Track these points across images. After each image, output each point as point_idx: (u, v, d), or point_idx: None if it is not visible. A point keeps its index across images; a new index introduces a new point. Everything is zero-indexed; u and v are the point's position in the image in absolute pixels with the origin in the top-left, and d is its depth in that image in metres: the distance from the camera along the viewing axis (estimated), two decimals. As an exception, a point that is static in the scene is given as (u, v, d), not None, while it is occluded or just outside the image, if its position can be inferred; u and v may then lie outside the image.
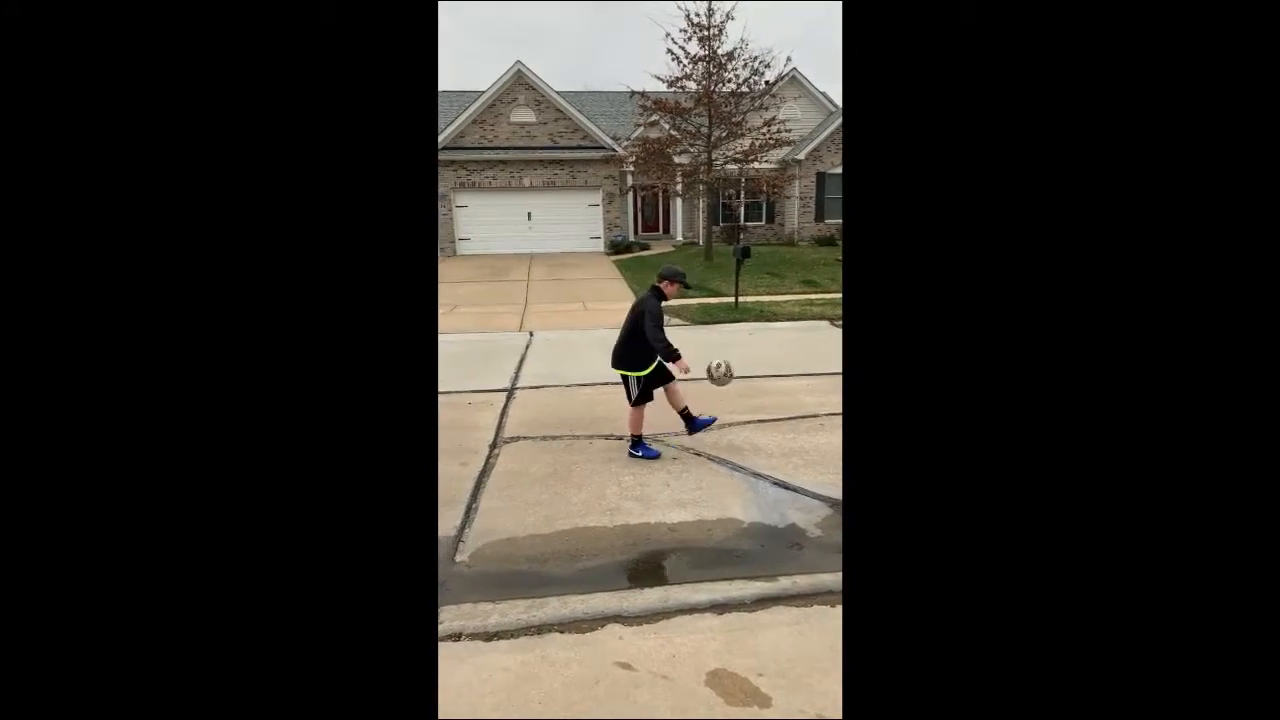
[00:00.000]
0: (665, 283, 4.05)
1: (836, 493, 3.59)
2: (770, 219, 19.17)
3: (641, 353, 3.98)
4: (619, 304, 10.96)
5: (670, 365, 3.89)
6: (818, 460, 4.05)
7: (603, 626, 2.42)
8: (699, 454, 4.18)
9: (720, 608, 2.52)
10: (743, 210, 18.69)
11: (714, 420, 4.31)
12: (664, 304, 4.05)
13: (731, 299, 10.22)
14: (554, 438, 4.52)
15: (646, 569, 2.87)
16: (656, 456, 4.12)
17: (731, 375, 4.17)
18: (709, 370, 4.16)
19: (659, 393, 4.14)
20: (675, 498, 3.54)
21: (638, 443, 4.16)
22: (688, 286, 4.30)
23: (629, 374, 4.04)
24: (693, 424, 4.20)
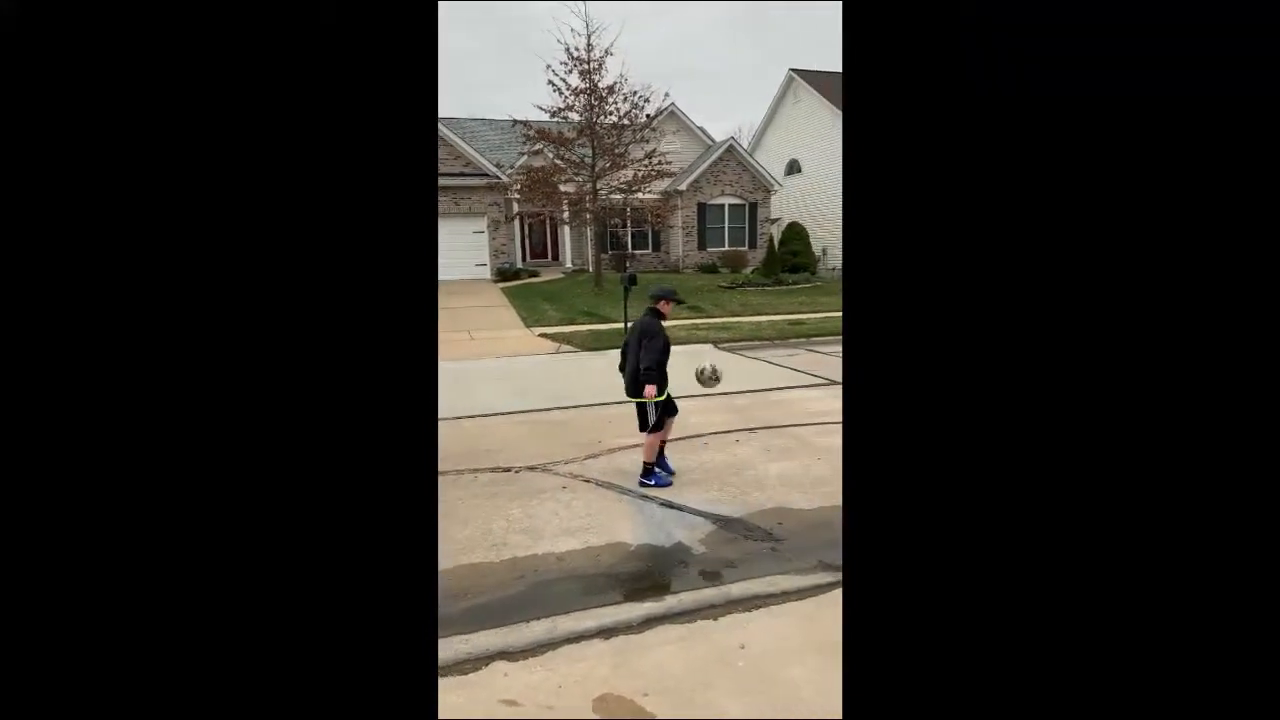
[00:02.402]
0: (661, 302, 4.09)
1: (720, 509, 3.73)
2: (657, 247, 19.77)
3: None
4: (508, 332, 10.80)
5: (645, 386, 3.87)
6: (702, 479, 4.19)
7: (488, 665, 2.35)
8: (588, 480, 4.20)
9: (608, 632, 2.53)
10: (630, 238, 19.16)
11: (670, 482, 4.12)
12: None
13: (621, 324, 10.41)
14: (439, 473, 4.36)
15: (534, 601, 2.83)
16: (669, 484, 4.06)
17: (719, 377, 4.24)
18: (698, 374, 4.20)
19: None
20: (563, 526, 3.53)
21: (650, 471, 4.06)
22: (680, 303, 4.31)
23: (644, 400, 3.96)
24: (652, 474, 4.09)
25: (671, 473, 4.22)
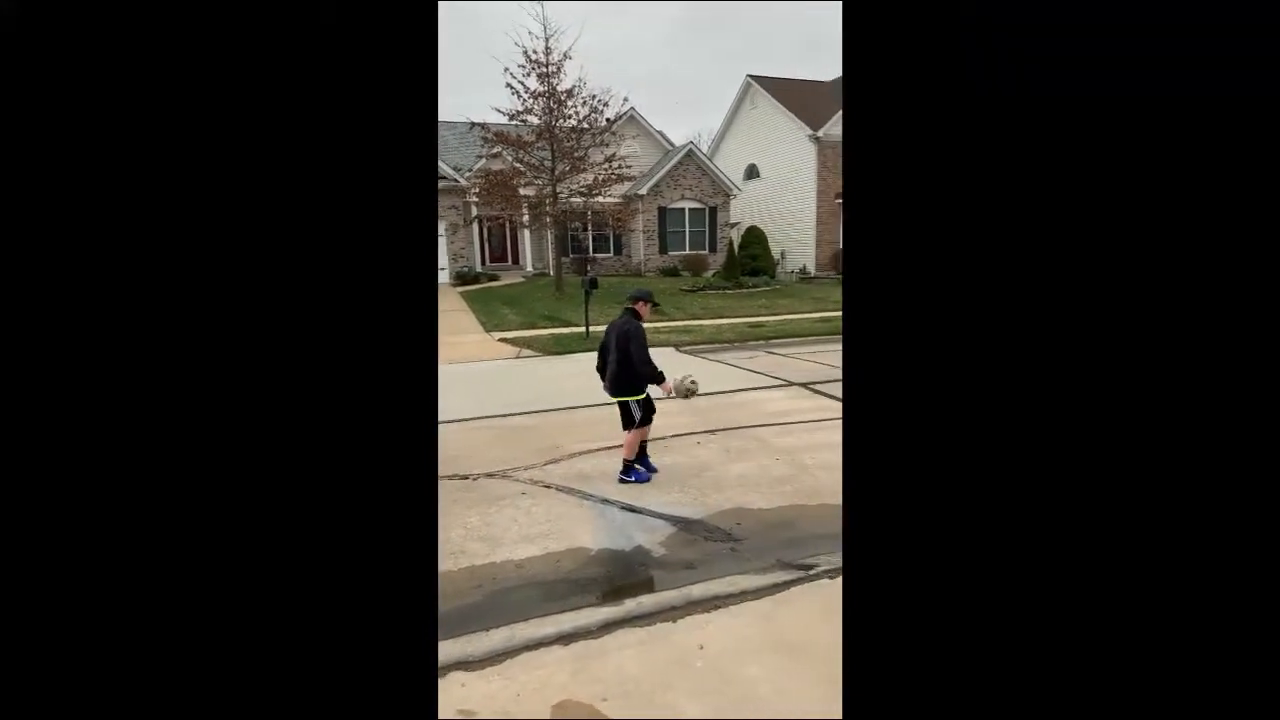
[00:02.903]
0: (640, 304, 4.19)
1: (680, 511, 3.76)
2: (618, 251, 19.80)
3: (637, 376, 4.04)
4: (467, 337, 10.65)
5: (658, 388, 4.04)
6: (663, 481, 4.21)
7: (445, 675, 2.31)
8: (548, 486, 4.17)
9: (567, 638, 2.52)
10: (591, 242, 19.13)
11: (649, 478, 4.21)
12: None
13: (582, 329, 10.37)
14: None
15: (492, 610, 2.80)
16: (648, 480, 4.17)
17: (696, 390, 4.30)
18: (675, 385, 4.24)
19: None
20: (523, 533, 3.50)
21: (630, 468, 4.17)
22: (656, 305, 4.38)
23: (630, 399, 4.08)
24: (632, 471, 4.19)
25: (653, 470, 4.32)
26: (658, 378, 4.04)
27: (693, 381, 4.32)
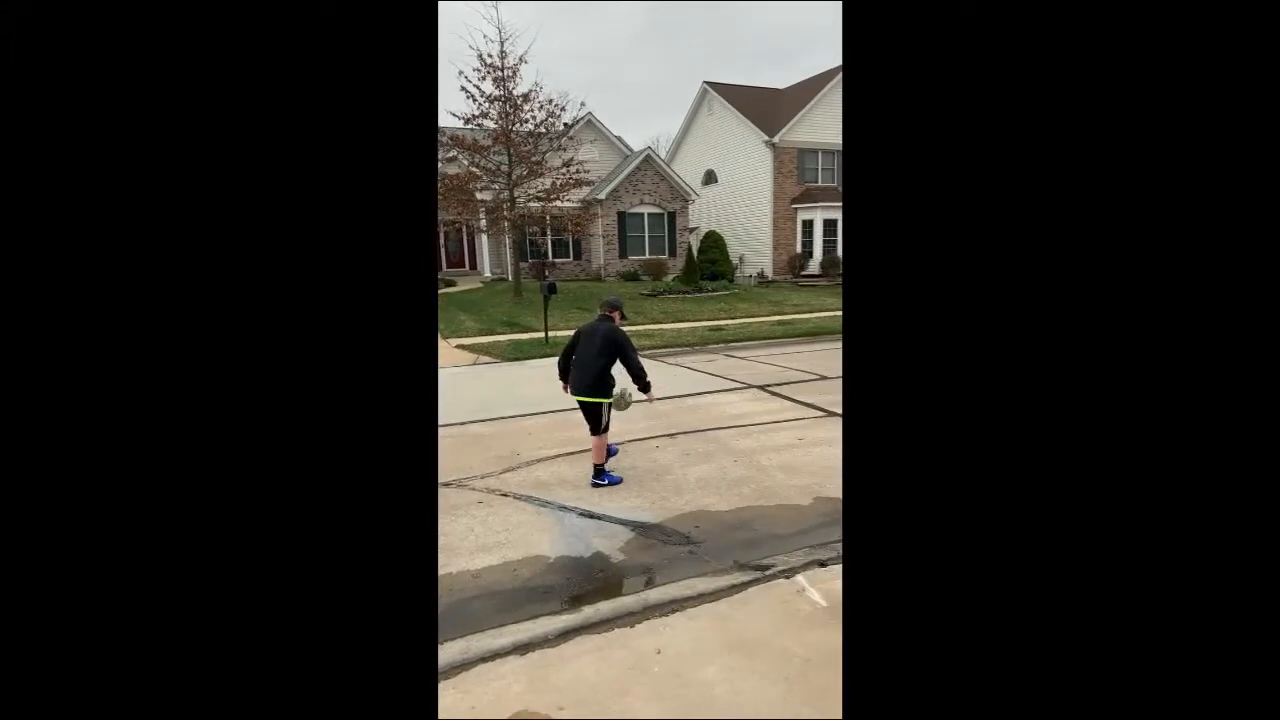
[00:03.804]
0: (616, 312, 4.30)
1: (639, 515, 3.75)
2: (578, 255, 19.74)
3: (611, 379, 4.10)
4: (423, 344, 10.43)
5: (644, 394, 4.15)
6: (622, 486, 4.20)
7: (397, 693, 2.25)
8: (506, 495, 4.11)
9: (524, 648, 2.49)
10: (550, 247, 19.02)
11: (620, 480, 4.28)
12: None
13: (541, 334, 10.29)
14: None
15: (448, 621, 2.74)
16: (620, 482, 4.21)
17: (630, 402, 4.30)
18: (616, 399, 4.19)
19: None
20: (480, 543, 3.44)
21: (601, 472, 4.20)
22: (624, 318, 4.46)
23: (603, 400, 4.10)
24: (604, 475, 4.23)
25: (613, 453, 4.48)
26: (647, 386, 4.11)
27: (630, 395, 4.33)
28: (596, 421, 4.15)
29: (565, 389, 4.33)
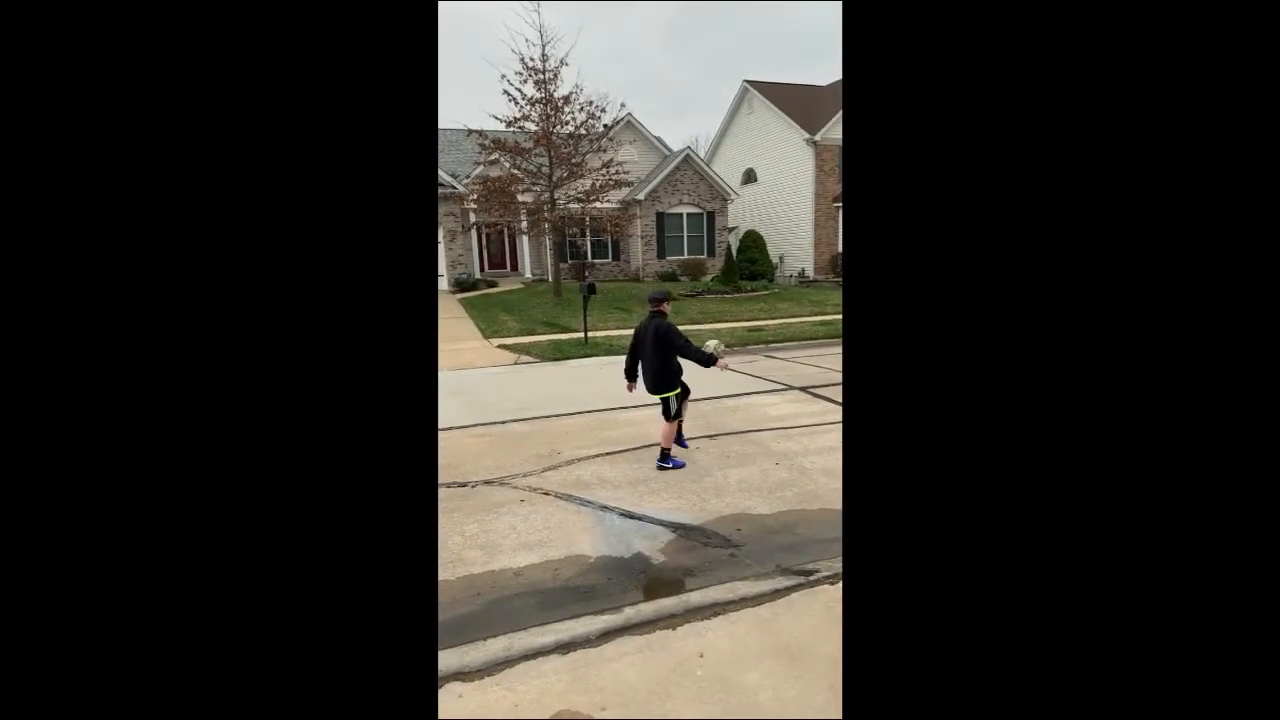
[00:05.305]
0: (663, 304, 4.59)
1: (680, 517, 3.74)
2: (616, 256, 19.81)
3: (675, 372, 4.45)
4: (466, 344, 10.64)
5: (714, 367, 4.50)
6: (662, 488, 4.19)
7: (442, 686, 2.29)
8: (547, 493, 4.15)
9: (565, 647, 2.50)
10: (589, 247, 19.14)
11: (684, 464, 4.55)
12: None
13: (581, 334, 10.36)
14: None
15: (490, 619, 2.78)
16: (683, 466, 4.51)
17: (721, 347, 4.81)
18: (714, 352, 4.61)
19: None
20: (521, 541, 3.48)
21: (666, 456, 4.51)
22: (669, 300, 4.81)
23: (670, 395, 4.45)
24: (668, 459, 4.50)
25: (684, 445, 4.78)
26: (709, 361, 4.40)
27: (717, 344, 4.75)
28: (666, 412, 4.49)
29: (629, 388, 4.71)
